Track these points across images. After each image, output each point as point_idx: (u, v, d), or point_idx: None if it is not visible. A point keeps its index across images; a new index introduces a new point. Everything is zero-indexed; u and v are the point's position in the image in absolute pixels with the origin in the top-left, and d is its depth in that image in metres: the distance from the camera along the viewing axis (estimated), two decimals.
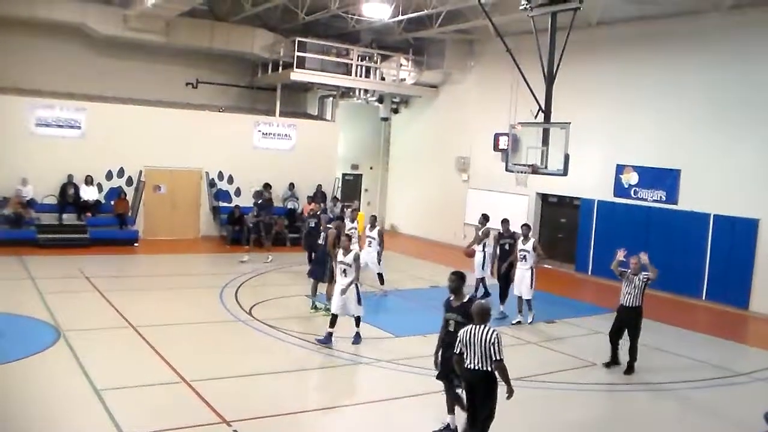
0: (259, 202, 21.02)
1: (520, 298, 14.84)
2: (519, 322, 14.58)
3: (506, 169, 17.78)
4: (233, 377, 10.50)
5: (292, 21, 24.64)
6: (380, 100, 28.67)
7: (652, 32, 19.79)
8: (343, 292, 12.32)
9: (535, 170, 16.47)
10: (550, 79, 16.48)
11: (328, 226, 15.71)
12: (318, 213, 18.53)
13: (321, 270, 14.87)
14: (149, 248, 21.76)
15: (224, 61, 26.33)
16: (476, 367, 7.61)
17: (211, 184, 24.42)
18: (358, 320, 12.63)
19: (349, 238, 13.11)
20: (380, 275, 17.37)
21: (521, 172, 17.02)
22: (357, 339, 12.55)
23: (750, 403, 10.95)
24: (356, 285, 12.39)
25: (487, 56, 24.95)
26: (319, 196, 25.59)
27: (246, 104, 27.24)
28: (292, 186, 25.55)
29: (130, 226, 22.40)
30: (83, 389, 9.51)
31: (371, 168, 30.42)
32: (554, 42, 16.42)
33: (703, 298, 18.46)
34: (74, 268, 17.57)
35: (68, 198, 21.62)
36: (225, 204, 24.36)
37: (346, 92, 27.32)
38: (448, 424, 8.71)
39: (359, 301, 12.43)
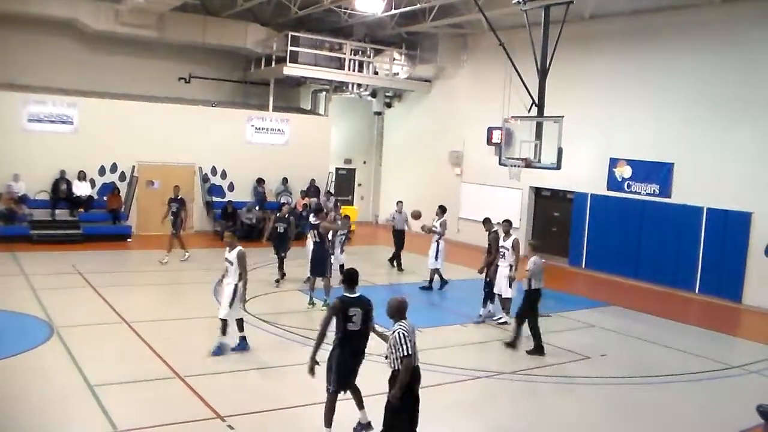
0: (178, 197, 19.60)
1: (499, 296, 14.49)
2: (505, 322, 14.24)
3: (500, 163, 17.81)
4: (227, 372, 10.50)
5: (284, 15, 24.60)
6: (373, 94, 28.66)
7: (645, 26, 19.80)
8: (230, 294, 11.26)
9: (528, 164, 16.50)
10: (543, 73, 16.52)
11: (315, 223, 15.52)
12: (288, 216, 17.23)
13: (322, 266, 14.84)
14: (142, 244, 21.68)
15: (217, 55, 26.26)
16: (418, 364, 7.35)
17: (205, 179, 24.38)
18: (240, 321, 11.49)
19: (234, 233, 11.71)
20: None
21: (515, 166, 17.04)
22: (241, 345, 11.45)
23: (743, 395, 11.01)
24: (235, 286, 11.21)
25: (480, 50, 24.94)
26: (312, 190, 25.61)
27: (239, 99, 27.20)
28: (285, 181, 25.55)
29: (123, 222, 22.35)
30: (77, 385, 9.50)
31: (364, 162, 30.39)
32: (547, 36, 16.47)
33: (696, 291, 18.51)
34: (67, 264, 17.53)
35: (61, 194, 21.56)
36: (218, 199, 24.34)
37: (339, 86, 27.31)
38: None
39: (231, 304, 11.21)
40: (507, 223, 14.60)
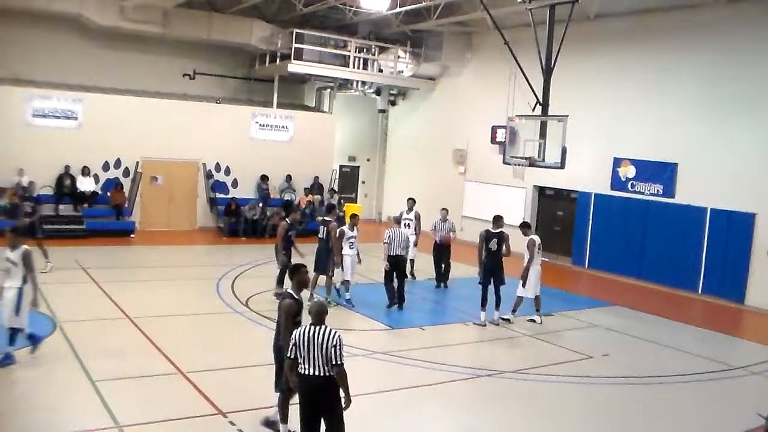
0: (35, 195, 18.25)
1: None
2: (507, 319, 14.27)
3: (503, 162, 17.80)
4: (229, 368, 10.51)
5: (289, 12, 24.59)
6: (378, 92, 28.64)
7: (649, 25, 19.76)
8: (14, 299, 10.03)
9: (532, 163, 16.47)
10: (547, 72, 16.50)
11: (326, 219, 15.46)
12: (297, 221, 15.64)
13: (324, 263, 14.82)
14: (146, 239, 21.74)
15: (222, 52, 26.24)
16: (315, 373, 6.95)
17: (208, 175, 24.40)
18: (13, 334, 10.04)
19: (15, 231, 10.55)
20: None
21: (518, 165, 17.01)
22: (5, 360, 9.92)
23: (745, 396, 10.99)
24: (20, 290, 10.04)
25: (485, 49, 24.91)
26: (316, 188, 25.62)
27: (243, 96, 27.17)
28: (289, 178, 25.54)
29: (126, 218, 22.37)
30: (79, 380, 9.53)
31: (368, 160, 30.39)
32: (552, 35, 16.44)
33: (699, 291, 18.47)
34: (71, 259, 17.55)
35: (65, 189, 21.59)
36: (222, 195, 24.36)
37: (344, 84, 27.28)
38: None
39: (17, 311, 10.00)
40: (525, 226, 14.94)
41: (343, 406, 7.04)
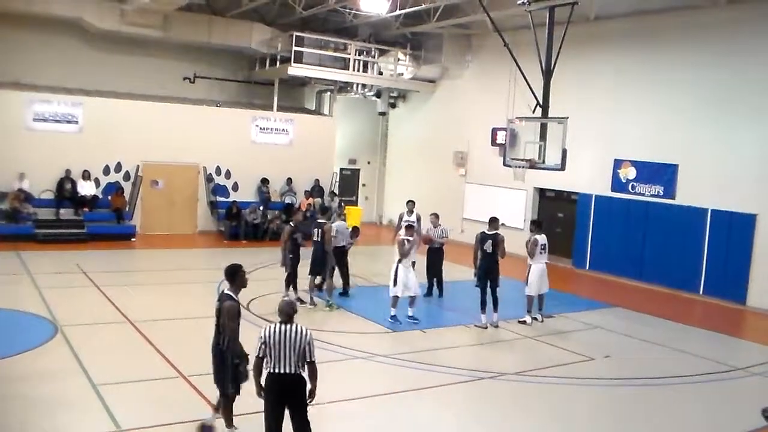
0: None
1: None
2: (525, 321, 14.47)
3: (504, 164, 17.78)
4: None
5: (289, 15, 24.63)
6: (378, 94, 28.66)
7: (649, 27, 19.77)
8: None
9: (532, 165, 16.46)
10: (547, 74, 16.49)
11: (320, 221, 15.39)
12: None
13: (320, 266, 14.80)
14: (146, 243, 21.74)
15: (222, 55, 26.29)
16: (288, 371, 7.03)
17: (209, 179, 24.41)
18: None
19: None
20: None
21: (519, 167, 17.00)
22: None
23: (747, 397, 10.98)
24: None
25: (485, 51, 24.92)
26: (316, 190, 25.62)
27: (243, 99, 27.22)
28: (289, 181, 25.56)
29: (127, 221, 22.38)
30: (81, 384, 9.53)
31: (369, 163, 30.40)
32: (552, 37, 16.43)
33: (701, 292, 18.46)
34: (72, 263, 17.55)
35: (65, 193, 21.60)
36: (222, 199, 24.36)
37: (344, 87, 27.31)
38: None
39: None
40: (533, 224, 15.34)
41: (309, 399, 7.22)
